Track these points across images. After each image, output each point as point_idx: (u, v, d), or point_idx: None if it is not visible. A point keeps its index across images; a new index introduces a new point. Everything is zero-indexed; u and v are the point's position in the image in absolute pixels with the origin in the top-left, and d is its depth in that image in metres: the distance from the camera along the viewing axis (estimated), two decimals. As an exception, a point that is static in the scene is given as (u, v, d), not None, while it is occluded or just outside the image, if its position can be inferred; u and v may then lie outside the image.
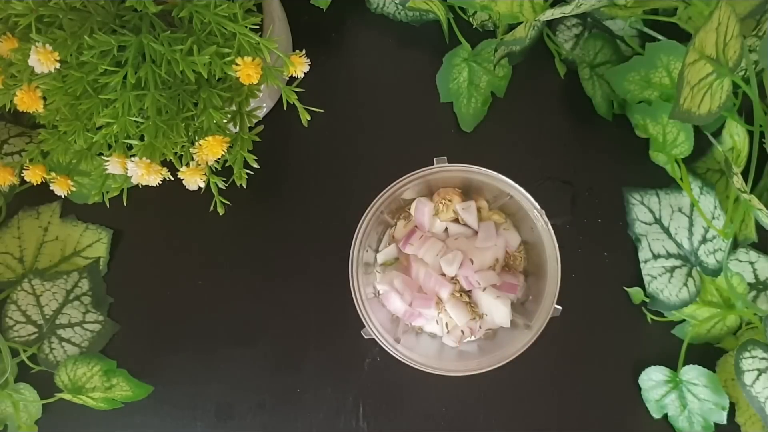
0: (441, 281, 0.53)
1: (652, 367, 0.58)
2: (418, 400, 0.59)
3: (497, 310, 0.52)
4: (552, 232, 0.51)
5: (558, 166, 0.61)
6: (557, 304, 0.51)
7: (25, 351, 0.58)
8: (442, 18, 0.58)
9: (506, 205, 0.55)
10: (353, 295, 0.51)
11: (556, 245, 0.51)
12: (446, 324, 0.53)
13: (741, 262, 0.57)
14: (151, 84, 0.42)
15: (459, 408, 0.59)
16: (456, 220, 0.55)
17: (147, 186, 0.44)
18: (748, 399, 0.53)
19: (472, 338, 0.54)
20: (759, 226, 0.56)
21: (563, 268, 0.51)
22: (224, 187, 0.47)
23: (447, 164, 0.52)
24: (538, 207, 0.51)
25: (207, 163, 0.44)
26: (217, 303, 0.60)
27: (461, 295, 0.54)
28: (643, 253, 0.58)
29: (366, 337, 0.52)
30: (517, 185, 0.52)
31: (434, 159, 0.52)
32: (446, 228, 0.55)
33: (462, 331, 0.53)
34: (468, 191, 0.56)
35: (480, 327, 0.54)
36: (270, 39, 0.42)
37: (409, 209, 0.56)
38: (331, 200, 0.61)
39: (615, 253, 0.60)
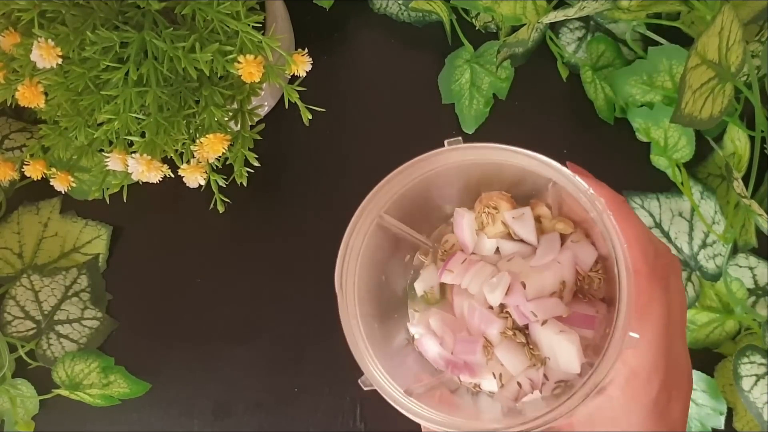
0: (487, 316, 0.37)
1: (651, 371, 0.58)
2: (416, 401, 0.59)
3: (561, 351, 0.35)
4: (614, 223, 0.33)
5: (559, 168, 0.60)
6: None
7: (23, 346, 0.58)
8: (444, 19, 0.58)
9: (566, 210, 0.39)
10: (346, 338, 0.39)
11: (623, 245, 0.32)
12: (499, 375, 0.37)
13: (741, 267, 0.56)
14: (153, 81, 0.42)
15: (456, 410, 0.59)
16: (509, 235, 0.39)
17: (147, 183, 0.44)
18: (746, 404, 0.53)
19: (535, 394, 0.37)
20: (759, 232, 0.56)
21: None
22: (225, 185, 0.47)
23: (462, 144, 0.39)
24: (591, 192, 0.34)
25: (208, 160, 0.44)
26: (215, 301, 0.60)
27: (515, 334, 0.36)
28: (643, 257, 0.58)
29: (365, 388, 0.39)
30: (559, 165, 0.36)
31: (445, 141, 0.40)
32: (497, 248, 0.39)
33: (519, 384, 0.37)
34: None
35: (545, 377, 0.36)
36: (272, 37, 0.42)
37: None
38: (332, 200, 0.60)
39: (615, 256, 0.60)
